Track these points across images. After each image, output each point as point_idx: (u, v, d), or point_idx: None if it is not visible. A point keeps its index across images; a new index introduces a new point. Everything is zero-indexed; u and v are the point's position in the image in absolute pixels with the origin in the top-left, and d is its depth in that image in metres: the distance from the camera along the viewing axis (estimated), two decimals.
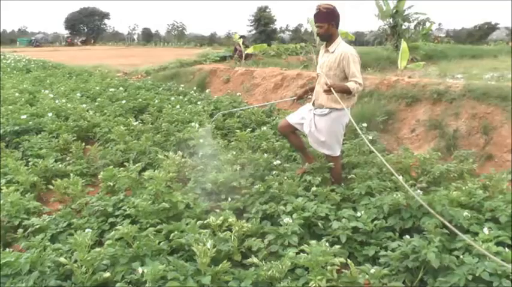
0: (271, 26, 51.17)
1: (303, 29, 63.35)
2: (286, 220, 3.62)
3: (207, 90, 12.04)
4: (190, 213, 4.12)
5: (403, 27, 19.13)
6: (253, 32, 50.03)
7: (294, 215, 3.73)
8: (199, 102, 9.65)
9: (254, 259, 3.18)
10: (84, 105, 8.99)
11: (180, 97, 10.59)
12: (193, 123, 6.95)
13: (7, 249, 3.44)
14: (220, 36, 75.13)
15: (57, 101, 9.38)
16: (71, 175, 5.05)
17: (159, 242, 3.42)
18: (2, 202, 4.28)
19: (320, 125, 4.62)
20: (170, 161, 5.15)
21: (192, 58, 19.39)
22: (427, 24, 20.22)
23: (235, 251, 3.45)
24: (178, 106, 8.79)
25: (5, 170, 5.32)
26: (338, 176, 4.89)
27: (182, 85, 12.83)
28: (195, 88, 12.20)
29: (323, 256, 2.97)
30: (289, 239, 3.48)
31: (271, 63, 15.09)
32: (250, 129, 6.86)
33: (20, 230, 3.85)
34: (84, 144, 6.53)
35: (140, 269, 2.95)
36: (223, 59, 18.85)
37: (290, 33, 71.62)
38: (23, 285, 2.90)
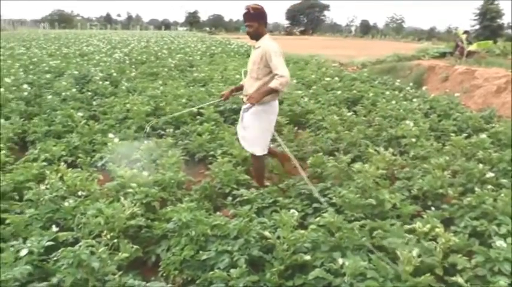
0: (498, 20, 45.81)
1: None
2: (499, 243, 3.29)
3: (424, 88, 11.62)
4: (395, 214, 4.06)
5: None
6: (477, 27, 45.59)
7: (508, 239, 3.38)
8: (414, 100, 9.40)
9: (459, 279, 2.97)
10: (299, 92, 9.51)
11: (396, 92, 10.49)
12: (407, 121, 6.82)
13: (217, 213, 3.86)
14: (439, 30, 71.68)
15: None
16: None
17: (362, 237, 3.41)
18: (216, 170, 4.83)
19: (246, 119, 4.76)
20: (380, 156, 5.13)
21: (410, 53, 19.18)
22: None
23: (438, 264, 3.25)
24: (393, 102, 8.75)
25: (222, 142, 5.98)
26: (259, 177, 4.92)
27: (398, 80, 12.65)
28: (411, 84, 11.90)
29: None
30: (500, 266, 3.16)
31: (495, 63, 13.94)
32: (466, 134, 6.37)
33: (229, 198, 4.31)
34: (296, 128, 7.01)
35: (340, 260, 2.97)
36: (442, 55, 18.15)
37: None
38: (229, 248, 3.21)
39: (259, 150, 4.73)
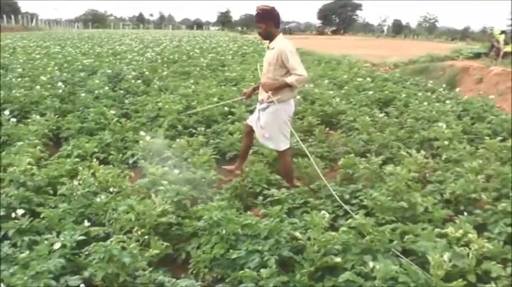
0: None
1: None
2: None
3: (457, 89, 11.41)
4: (427, 218, 4.00)
5: None
6: None
7: None
8: (447, 101, 9.21)
9: (493, 286, 2.89)
10: (331, 92, 9.48)
11: (428, 94, 10.33)
12: (440, 123, 6.72)
13: (248, 212, 3.86)
14: (473, 30, 70.26)
15: (305, 86, 10.08)
16: (312, 156, 5.34)
17: (392, 241, 3.37)
18: (247, 169, 4.84)
19: (262, 120, 4.84)
20: (412, 159, 5.06)
21: (443, 53, 18.83)
22: None
23: (470, 270, 3.18)
24: (425, 103, 8.64)
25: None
26: (287, 173, 4.93)
27: (431, 81, 12.44)
28: (444, 85, 11.64)
29: None
30: None
31: None
32: (500, 138, 6.20)
33: (260, 198, 4.31)
34: (327, 129, 6.97)
35: (371, 264, 2.95)
36: (477, 56, 17.74)
37: None
38: (260, 248, 3.22)
39: (283, 145, 4.83)
